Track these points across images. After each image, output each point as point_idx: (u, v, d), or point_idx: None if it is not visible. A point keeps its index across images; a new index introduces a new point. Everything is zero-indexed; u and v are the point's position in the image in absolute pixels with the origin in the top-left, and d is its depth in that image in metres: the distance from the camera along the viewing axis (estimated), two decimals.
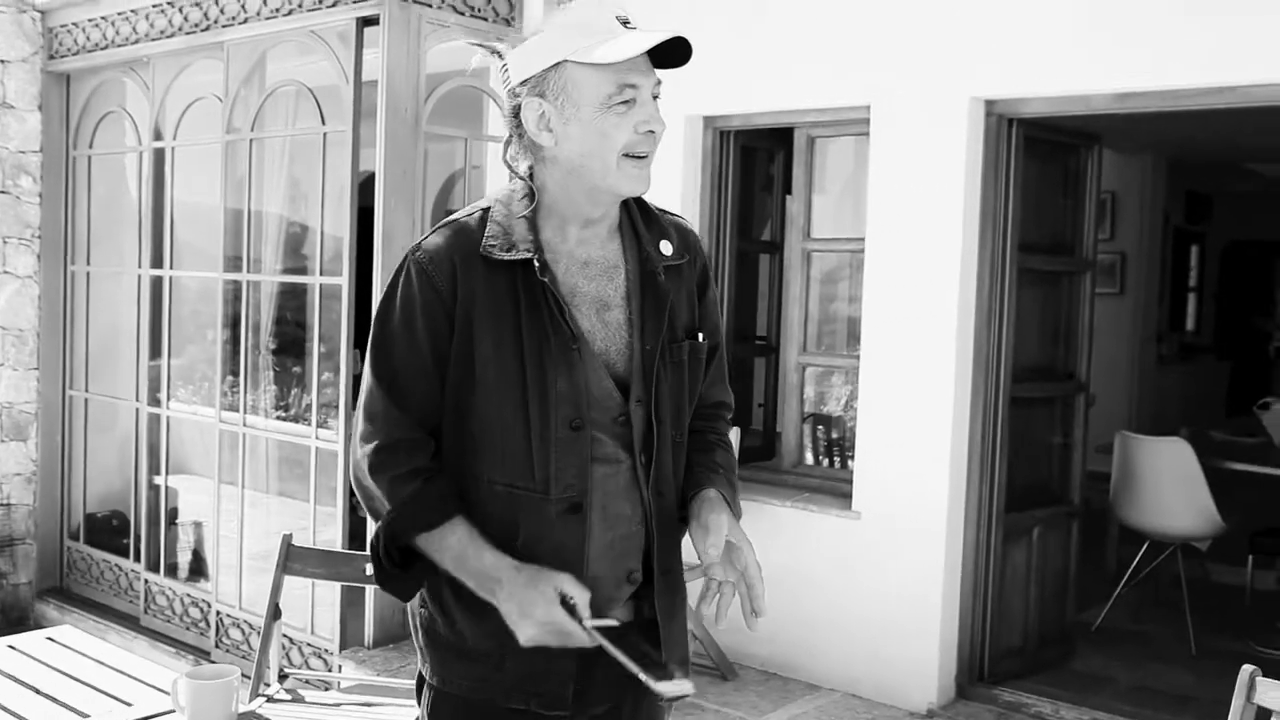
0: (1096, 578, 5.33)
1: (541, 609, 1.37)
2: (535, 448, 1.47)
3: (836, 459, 4.83)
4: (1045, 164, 4.26)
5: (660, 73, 1.49)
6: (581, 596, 1.38)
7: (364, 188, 4.27)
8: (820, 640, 4.17)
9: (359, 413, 1.52)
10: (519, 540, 1.47)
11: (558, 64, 1.46)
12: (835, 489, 4.45)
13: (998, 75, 3.84)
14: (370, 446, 1.49)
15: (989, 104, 3.93)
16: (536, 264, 1.48)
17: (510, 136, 1.56)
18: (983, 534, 4.08)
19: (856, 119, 4.25)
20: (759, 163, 4.96)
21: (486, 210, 1.54)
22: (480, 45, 1.54)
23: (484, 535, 1.45)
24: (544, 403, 1.46)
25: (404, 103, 4.17)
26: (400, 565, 1.50)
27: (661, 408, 1.54)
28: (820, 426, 4.83)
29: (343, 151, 4.25)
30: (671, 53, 1.45)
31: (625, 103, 1.46)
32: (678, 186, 4.59)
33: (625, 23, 1.46)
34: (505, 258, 1.48)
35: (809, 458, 4.76)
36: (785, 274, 4.67)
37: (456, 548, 1.45)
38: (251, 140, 4.73)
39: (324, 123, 4.44)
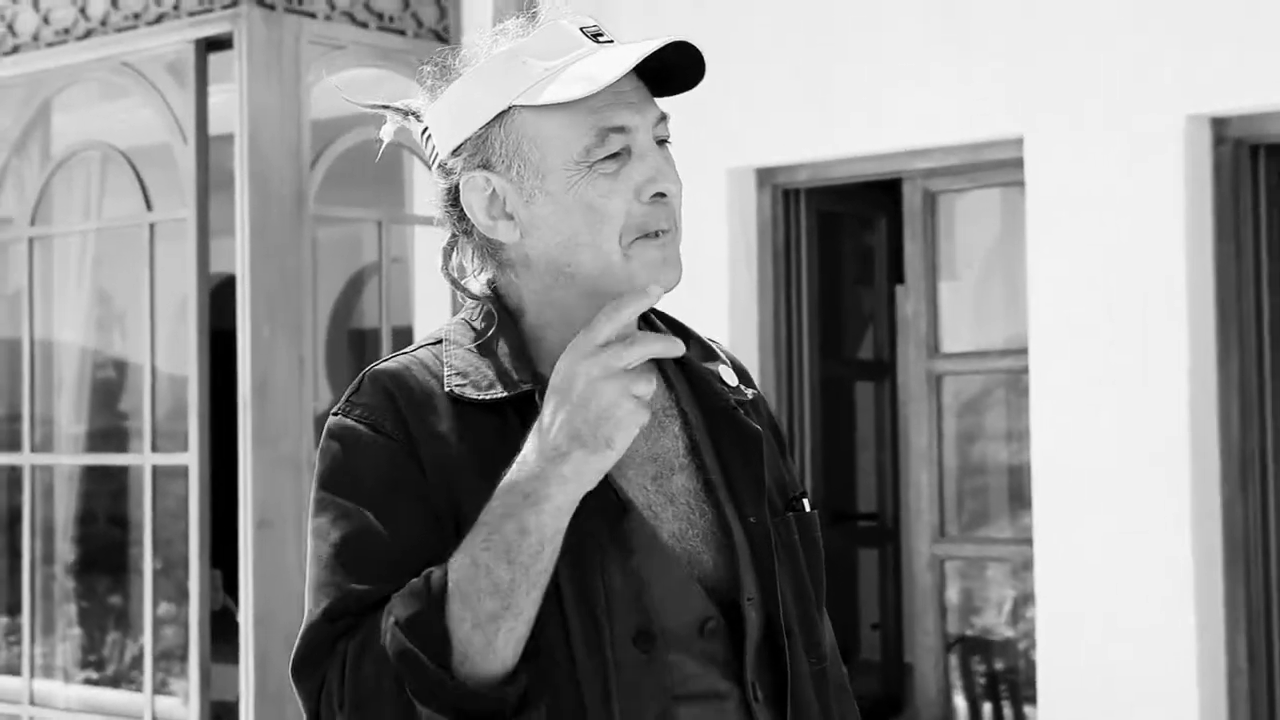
0: None
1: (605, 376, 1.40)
2: (585, 681, 1.47)
3: (1006, 706, 4.76)
4: None
5: (667, 105, 1.54)
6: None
7: (218, 301, 4.33)
8: None
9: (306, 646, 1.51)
10: None
11: (502, 114, 1.52)
12: None
13: (1227, 78, 3.88)
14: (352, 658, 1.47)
15: (1218, 124, 3.98)
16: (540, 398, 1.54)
17: (452, 237, 1.61)
18: None
19: (1002, 160, 4.30)
20: (849, 237, 5.03)
21: (438, 343, 1.60)
22: (380, 108, 1.62)
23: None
24: (589, 609, 1.49)
25: (277, 169, 4.22)
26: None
27: (788, 611, 1.57)
28: (976, 655, 4.79)
29: (181, 247, 4.28)
30: (675, 70, 1.51)
31: (613, 156, 1.50)
32: (723, 277, 4.58)
33: (596, 36, 1.52)
34: (486, 397, 1.53)
35: (961, 707, 4.72)
36: (901, 410, 4.82)
37: (486, 525, 1.44)
38: (32, 239, 4.82)
39: (149, 205, 4.49)
